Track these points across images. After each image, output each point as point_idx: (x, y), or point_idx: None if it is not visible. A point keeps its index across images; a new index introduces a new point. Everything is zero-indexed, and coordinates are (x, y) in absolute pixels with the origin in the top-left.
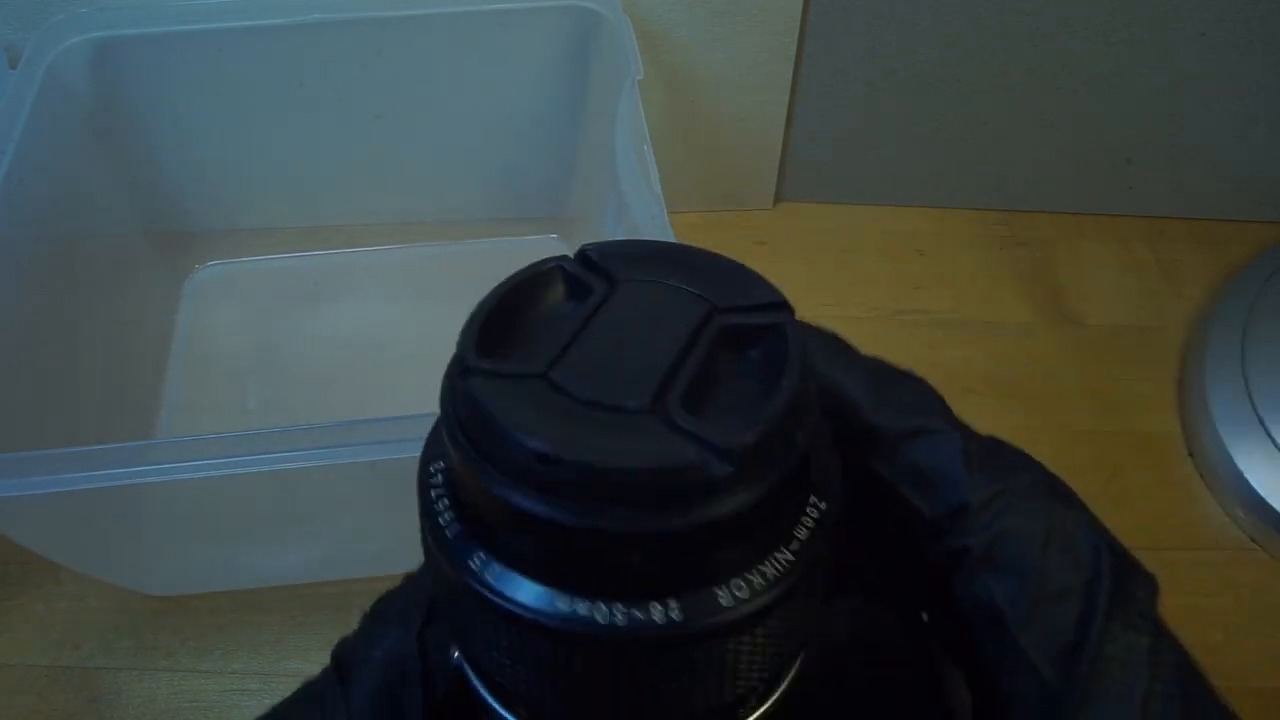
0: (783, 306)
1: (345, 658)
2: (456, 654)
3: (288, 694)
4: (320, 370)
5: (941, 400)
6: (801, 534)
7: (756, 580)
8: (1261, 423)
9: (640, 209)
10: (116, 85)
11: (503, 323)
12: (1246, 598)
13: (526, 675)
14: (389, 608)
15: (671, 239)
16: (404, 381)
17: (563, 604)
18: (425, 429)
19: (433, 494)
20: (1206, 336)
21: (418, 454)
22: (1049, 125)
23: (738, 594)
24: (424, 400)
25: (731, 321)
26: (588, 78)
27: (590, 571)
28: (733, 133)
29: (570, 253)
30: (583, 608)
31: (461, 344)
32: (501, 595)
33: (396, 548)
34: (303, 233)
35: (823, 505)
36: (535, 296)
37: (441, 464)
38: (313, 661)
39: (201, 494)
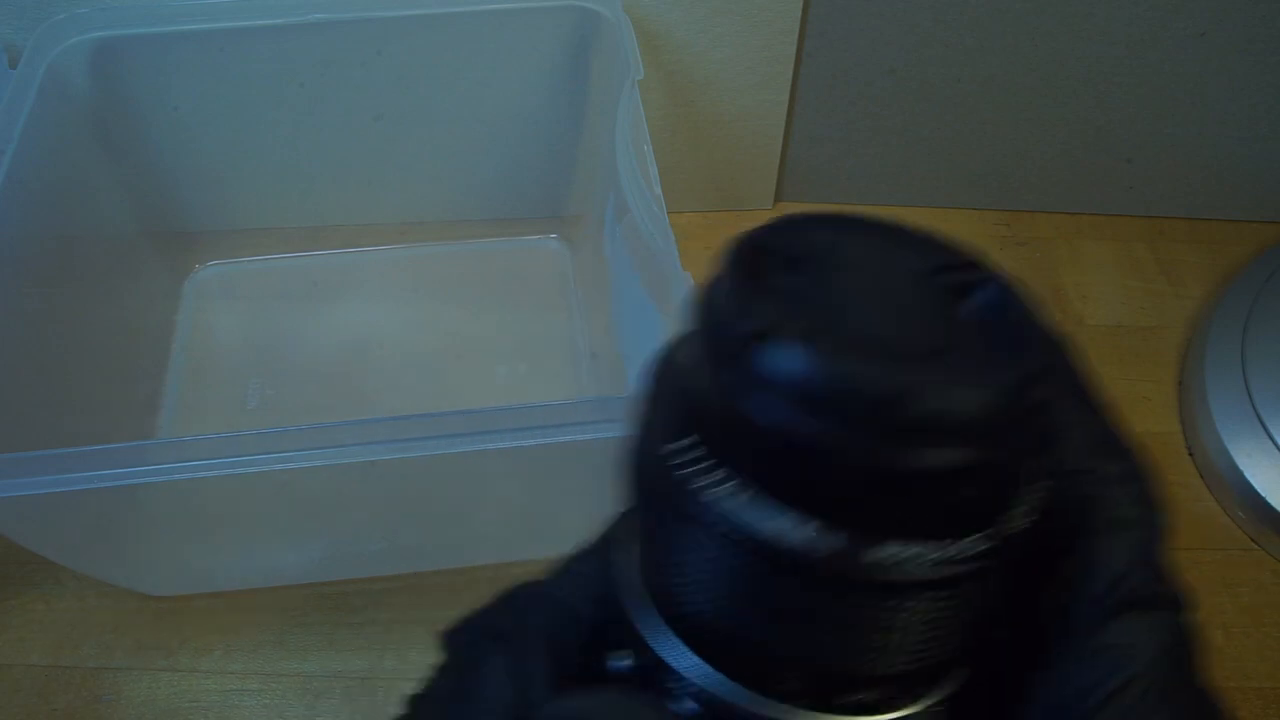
0: (980, 264)
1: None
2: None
3: (287, 694)
4: (320, 370)
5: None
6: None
7: (1022, 512)
8: (1261, 423)
9: (640, 209)
10: (117, 85)
11: (743, 297)
12: (1246, 598)
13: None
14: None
15: (671, 240)
16: (404, 381)
17: (897, 549)
18: (425, 429)
19: (698, 469)
20: (1206, 336)
21: (417, 454)
22: (1049, 125)
23: (1014, 525)
24: (423, 400)
25: (953, 279)
26: (588, 78)
27: (935, 508)
28: (733, 133)
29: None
30: (911, 548)
31: (716, 318)
32: (851, 554)
33: (396, 548)
34: (303, 233)
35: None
36: (757, 271)
37: (695, 438)
38: (311, 661)
39: (201, 494)
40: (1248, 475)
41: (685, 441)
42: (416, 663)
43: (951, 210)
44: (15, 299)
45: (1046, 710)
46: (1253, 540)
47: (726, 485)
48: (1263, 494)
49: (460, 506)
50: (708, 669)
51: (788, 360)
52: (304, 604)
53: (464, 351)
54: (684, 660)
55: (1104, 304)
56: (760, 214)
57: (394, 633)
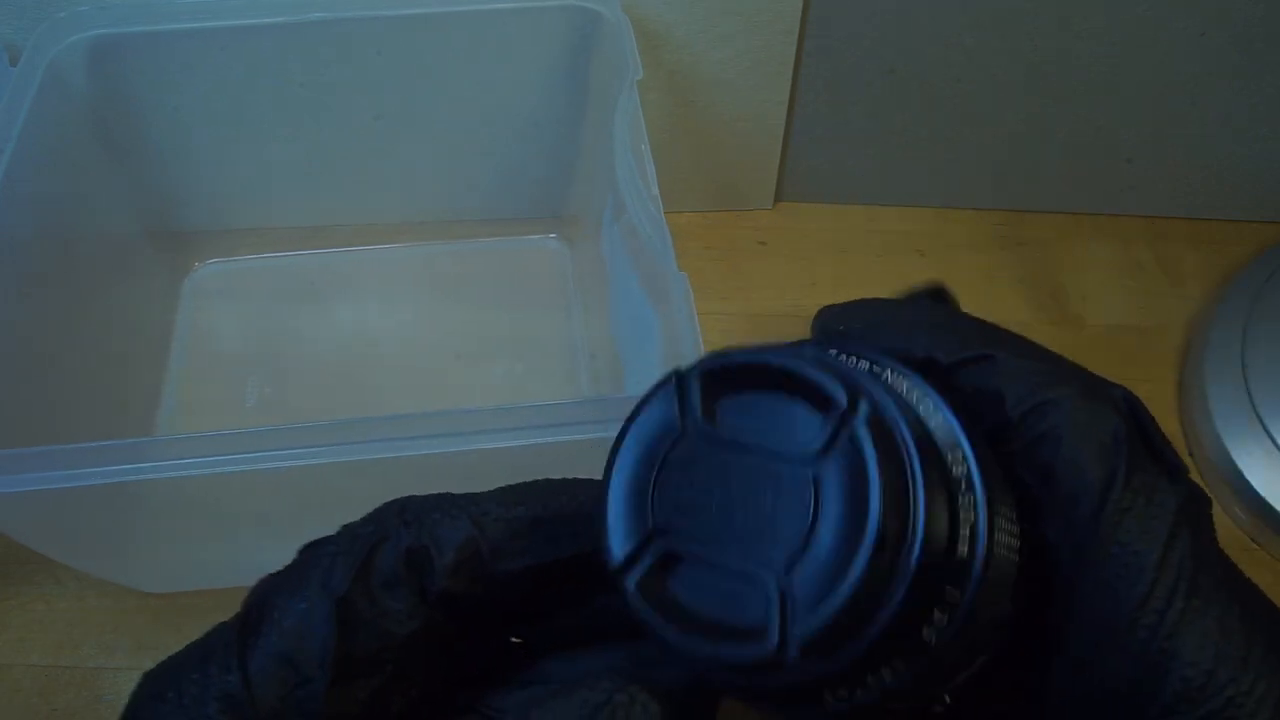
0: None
1: (257, 610)
2: None
3: None
4: (319, 369)
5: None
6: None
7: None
8: (1261, 423)
9: (637, 209)
10: (117, 83)
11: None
12: None
13: None
14: (313, 564)
15: (668, 240)
16: (404, 381)
17: None
18: (424, 428)
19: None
20: (1206, 336)
21: (416, 453)
22: (1049, 125)
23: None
24: (422, 399)
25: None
26: (588, 78)
27: None
28: (733, 133)
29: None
30: None
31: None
32: None
33: None
34: (302, 232)
35: None
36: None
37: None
38: None
39: (201, 491)
40: (1248, 475)
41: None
42: None
43: (951, 210)
44: (15, 298)
45: (1087, 634)
46: (1253, 540)
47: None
48: (1263, 494)
49: None
50: None
51: (639, 604)
52: None
53: (463, 351)
54: None
55: (1104, 304)
56: (760, 213)
57: None
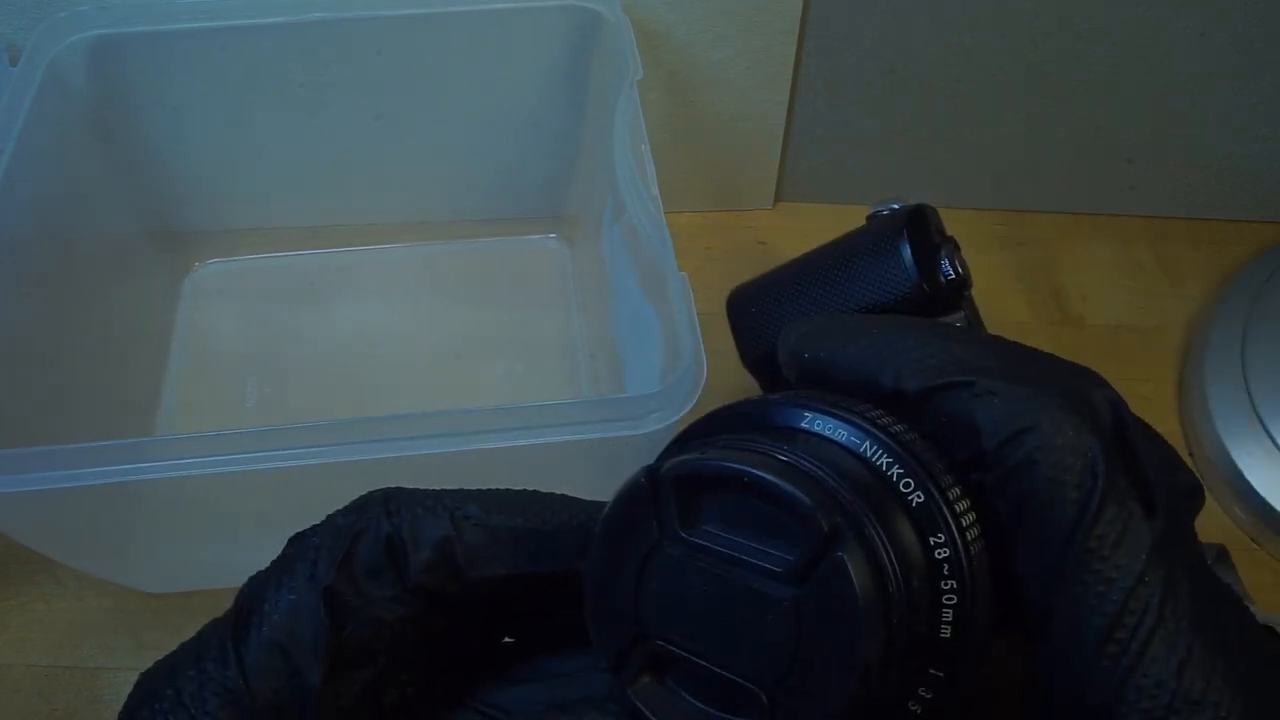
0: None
1: (247, 605)
2: None
3: None
4: (319, 369)
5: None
6: None
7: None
8: (1261, 423)
9: (637, 209)
10: (117, 83)
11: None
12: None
13: None
14: (299, 556)
15: (668, 240)
16: (403, 381)
17: None
18: (424, 428)
19: None
20: (1206, 336)
21: (416, 452)
22: (1049, 125)
23: None
24: (422, 399)
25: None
26: (588, 78)
27: None
28: (733, 133)
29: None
30: None
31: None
32: None
33: None
34: (302, 232)
35: None
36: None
37: None
38: None
39: (200, 492)
40: (1248, 475)
41: None
42: None
43: (951, 210)
44: (15, 298)
45: (1052, 651)
46: (1253, 540)
47: None
48: (1263, 494)
49: None
50: None
51: (633, 703)
52: None
53: (463, 351)
54: None
55: (1104, 304)
56: (760, 213)
57: None
